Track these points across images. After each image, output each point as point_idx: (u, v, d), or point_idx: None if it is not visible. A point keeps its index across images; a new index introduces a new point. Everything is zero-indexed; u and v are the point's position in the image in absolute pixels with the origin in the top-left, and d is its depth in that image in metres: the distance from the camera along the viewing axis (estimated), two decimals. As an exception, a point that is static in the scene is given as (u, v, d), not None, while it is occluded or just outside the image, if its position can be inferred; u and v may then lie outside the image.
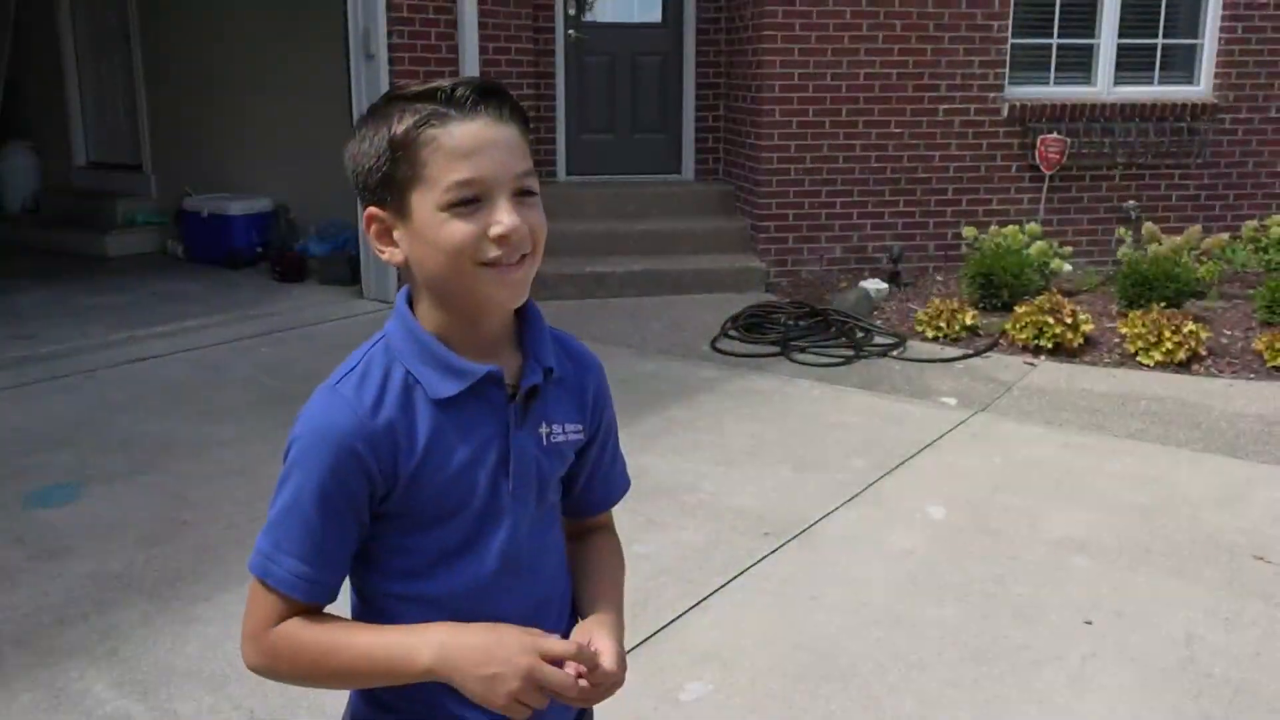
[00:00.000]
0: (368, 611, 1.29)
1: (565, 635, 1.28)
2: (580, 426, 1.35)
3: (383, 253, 1.23)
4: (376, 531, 1.25)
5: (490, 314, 1.25)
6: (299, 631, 1.19)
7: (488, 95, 1.19)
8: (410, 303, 1.27)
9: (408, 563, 1.26)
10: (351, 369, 1.24)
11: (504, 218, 1.17)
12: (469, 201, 1.17)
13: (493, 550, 1.27)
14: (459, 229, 1.17)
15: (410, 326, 1.25)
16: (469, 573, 1.26)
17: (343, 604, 1.27)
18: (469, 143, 1.16)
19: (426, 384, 1.22)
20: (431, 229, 1.18)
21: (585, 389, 1.37)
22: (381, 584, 1.27)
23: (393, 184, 1.19)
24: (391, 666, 1.19)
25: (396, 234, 1.22)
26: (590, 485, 1.42)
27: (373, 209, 1.23)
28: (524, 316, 1.31)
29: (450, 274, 1.19)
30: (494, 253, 1.18)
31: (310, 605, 1.21)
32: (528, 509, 1.29)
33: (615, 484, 1.46)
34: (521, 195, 1.20)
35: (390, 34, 6.66)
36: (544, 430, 1.30)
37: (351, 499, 1.20)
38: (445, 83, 1.18)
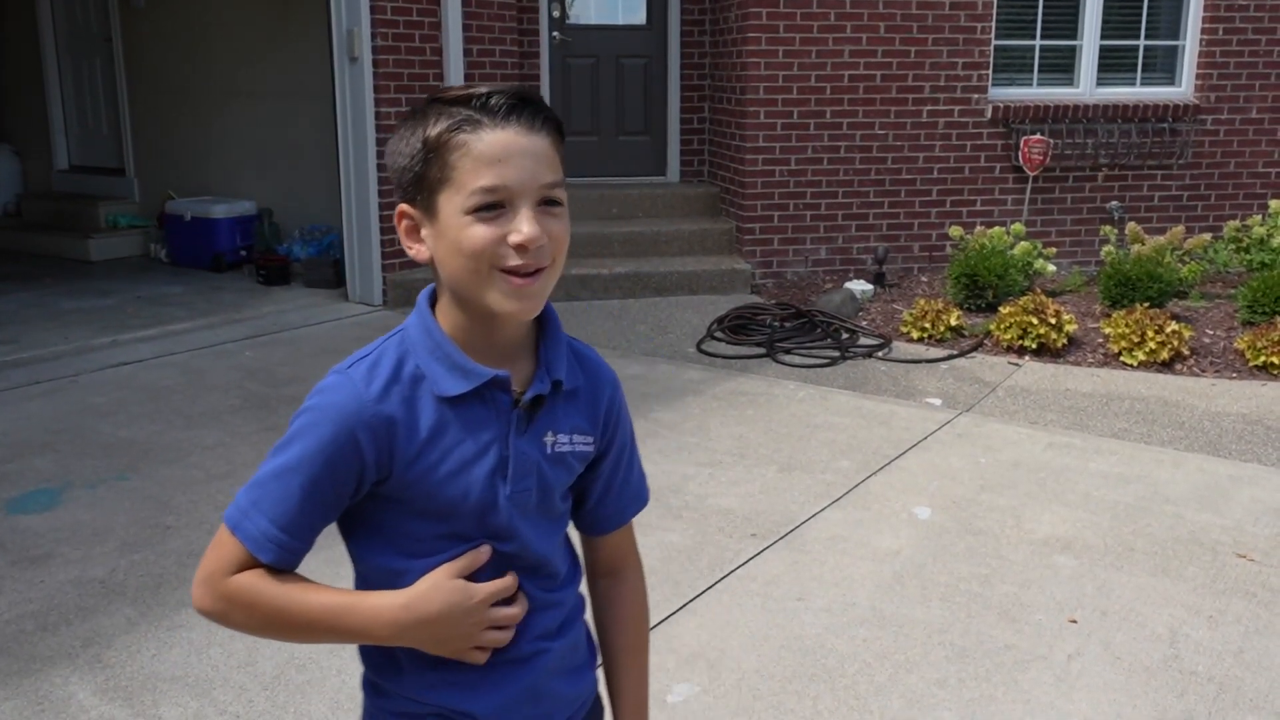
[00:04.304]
0: (360, 583, 1.33)
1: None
2: (591, 439, 1.36)
3: (410, 249, 1.27)
4: (379, 511, 1.28)
5: (504, 321, 1.26)
6: (259, 583, 1.23)
7: (522, 104, 1.21)
8: (433, 301, 1.31)
9: (410, 545, 1.28)
10: (365, 356, 1.27)
11: (524, 226, 1.19)
12: (492, 207, 1.19)
13: (492, 553, 1.29)
14: (479, 233, 1.20)
15: (427, 323, 1.28)
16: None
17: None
18: (496, 150, 1.19)
19: (433, 379, 1.25)
20: (454, 230, 1.21)
21: (598, 402, 1.38)
22: (381, 558, 1.29)
23: (423, 183, 1.23)
24: (346, 630, 1.25)
25: (424, 232, 1.25)
26: (603, 500, 1.42)
27: (403, 206, 1.27)
28: (543, 325, 1.33)
29: (467, 276, 1.22)
30: (512, 260, 1.20)
31: (273, 566, 1.24)
32: (528, 515, 1.31)
33: (628, 500, 1.45)
34: (546, 205, 1.22)
35: (374, 36, 6.64)
36: (548, 439, 1.31)
37: (337, 483, 1.23)
38: (483, 88, 1.21)
